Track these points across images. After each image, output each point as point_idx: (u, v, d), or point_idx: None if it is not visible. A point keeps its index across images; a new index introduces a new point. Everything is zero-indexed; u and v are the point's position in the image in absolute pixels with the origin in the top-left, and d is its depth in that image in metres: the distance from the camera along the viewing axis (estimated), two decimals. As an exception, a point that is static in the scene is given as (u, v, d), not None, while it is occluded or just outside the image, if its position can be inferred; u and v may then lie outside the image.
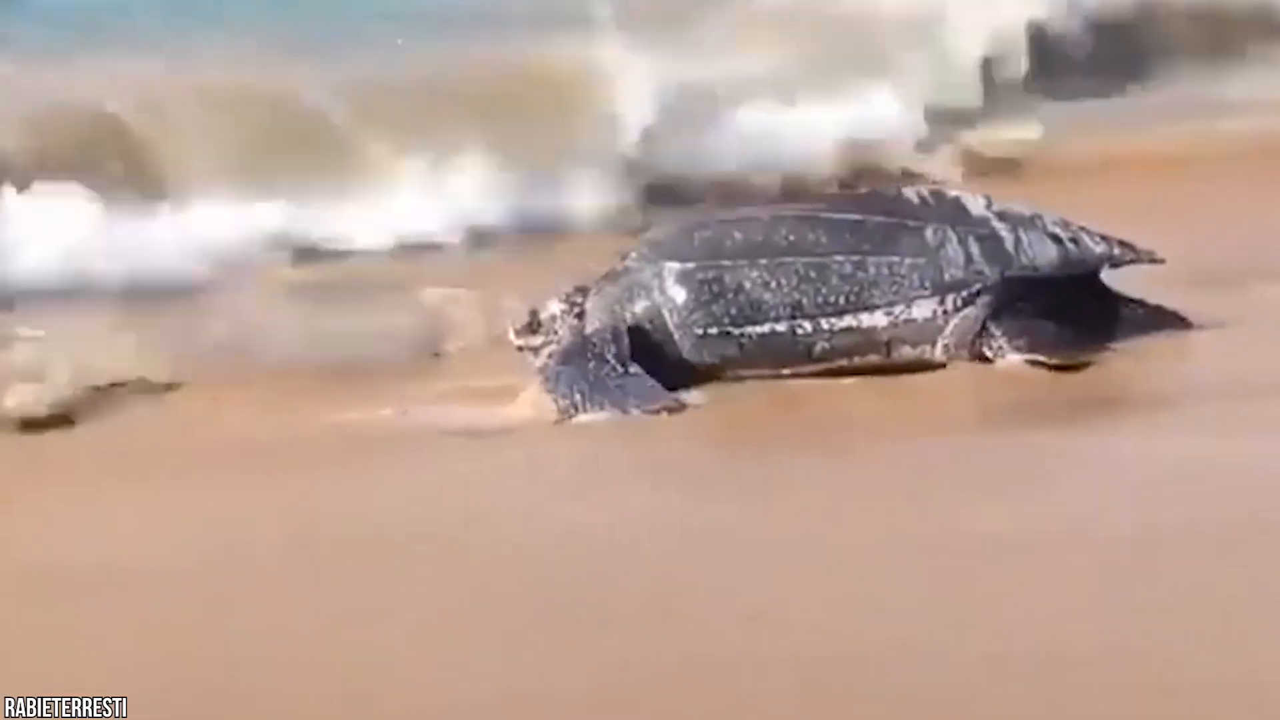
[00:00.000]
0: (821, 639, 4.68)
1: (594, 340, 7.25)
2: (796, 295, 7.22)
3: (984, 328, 7.25)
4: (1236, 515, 5.36)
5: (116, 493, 6.46)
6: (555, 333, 7.56)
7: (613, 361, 7.15)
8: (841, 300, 7.21)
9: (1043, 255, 7.35)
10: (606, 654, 4.67)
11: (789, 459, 6.56)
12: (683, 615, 4.88)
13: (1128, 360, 7.25)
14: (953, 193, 7.54)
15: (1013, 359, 7.22)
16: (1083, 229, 7.47)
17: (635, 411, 6.96)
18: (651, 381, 7.08)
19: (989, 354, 7.26)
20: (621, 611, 4.94)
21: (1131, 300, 7.52)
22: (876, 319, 7.22)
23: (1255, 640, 4.47)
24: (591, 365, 7.13)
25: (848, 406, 7.03)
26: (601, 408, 6.98)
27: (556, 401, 7.02)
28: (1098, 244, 7.45)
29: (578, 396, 7.01)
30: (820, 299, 7.22)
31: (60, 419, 7.28)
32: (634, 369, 7.13)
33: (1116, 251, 7.48)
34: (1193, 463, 5.94)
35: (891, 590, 4.98)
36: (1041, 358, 7.20)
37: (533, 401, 7.12)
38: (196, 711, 4.47)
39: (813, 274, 7.23)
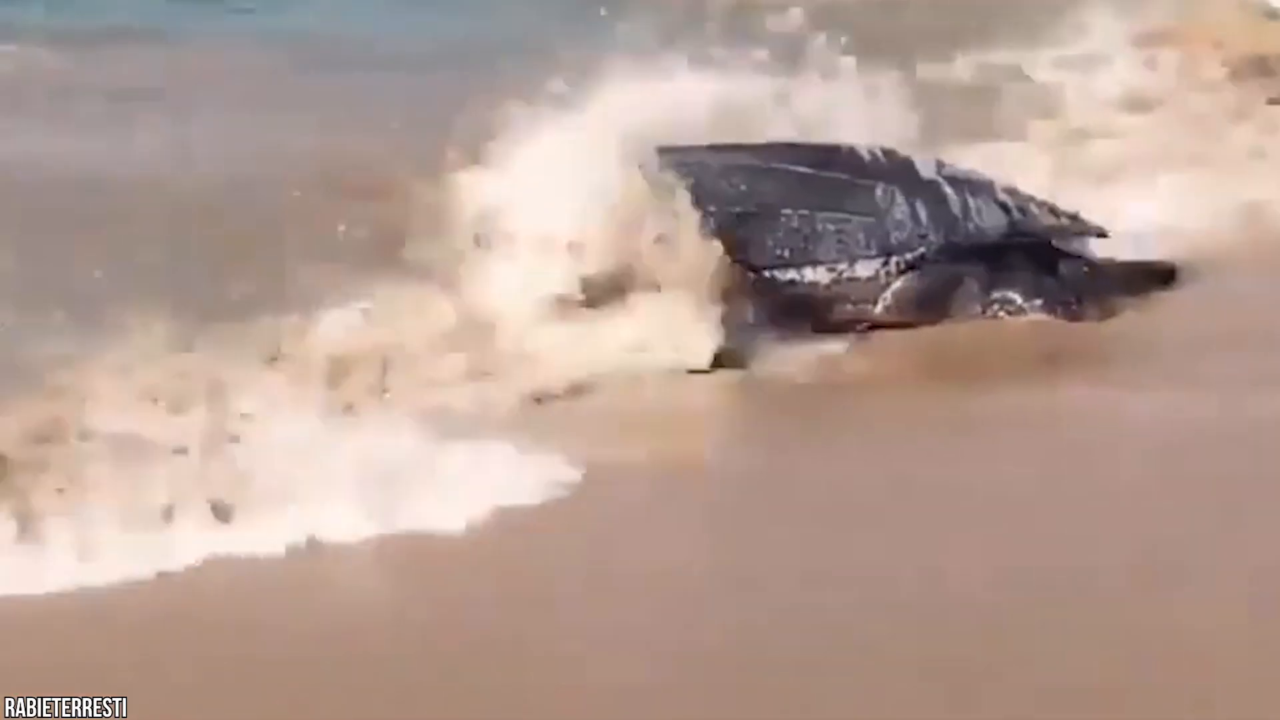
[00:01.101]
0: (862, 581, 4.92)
1: None
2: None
3: (994, 289, 7.32)
4: (1232, 466, 5.71)
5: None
6: None
7: None
8: (786, 253, 7.23)
9: (990, 222, 7.39)
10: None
11: (807, 414, 6.63)
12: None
13: (1127, 315, 7.40)
14: (904, 153, 7.53)
15: (1033, 315, 7.30)
16: (1031, 199, 7.52)
17: None
18: None
19: (1006, 315, 7.31)
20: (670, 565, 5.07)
21: (1120, 260, 7.62)
22: (819, 275, 7.25)
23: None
24: None
25: (850, 363, 7.04)
26: None
27: None
28: (1045, 215, 7.50)
29: None
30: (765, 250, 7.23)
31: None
32: None
33: (1063, 223, 7.54)
34: (1182, 416, 6.18)
35: (917, 529, 5.28)
36: (1058, 313, 7.31)
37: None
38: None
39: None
